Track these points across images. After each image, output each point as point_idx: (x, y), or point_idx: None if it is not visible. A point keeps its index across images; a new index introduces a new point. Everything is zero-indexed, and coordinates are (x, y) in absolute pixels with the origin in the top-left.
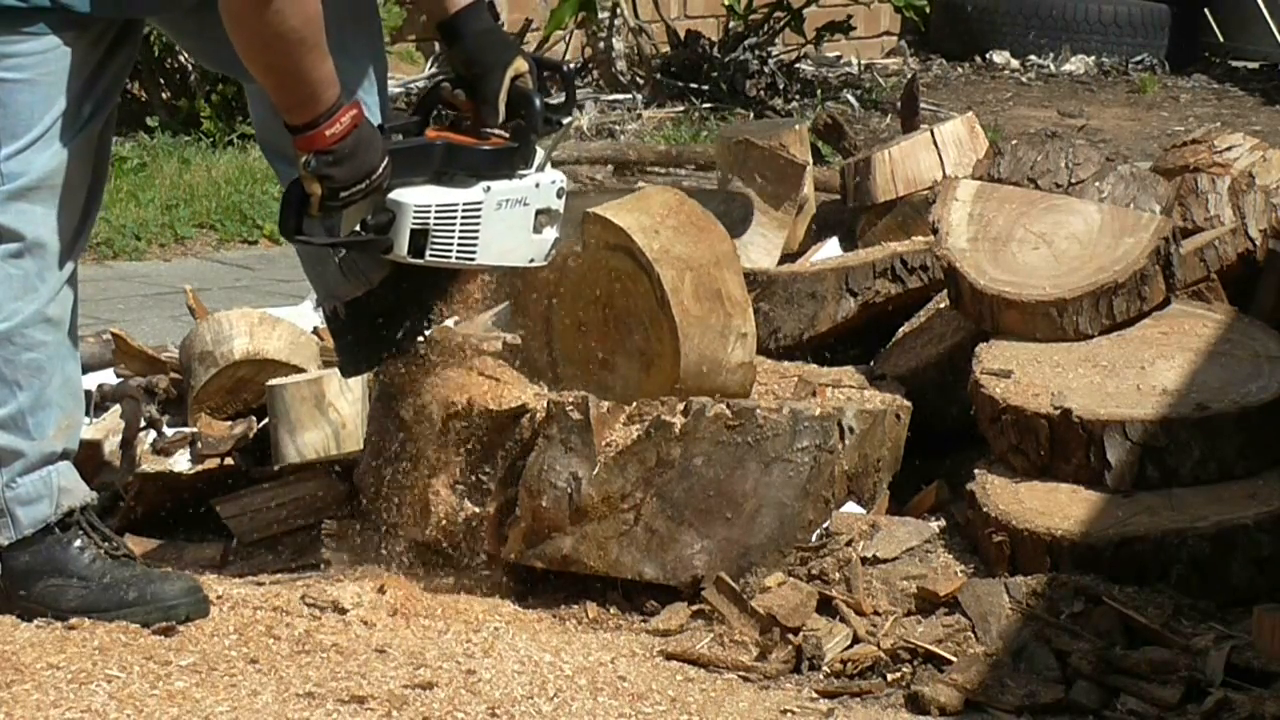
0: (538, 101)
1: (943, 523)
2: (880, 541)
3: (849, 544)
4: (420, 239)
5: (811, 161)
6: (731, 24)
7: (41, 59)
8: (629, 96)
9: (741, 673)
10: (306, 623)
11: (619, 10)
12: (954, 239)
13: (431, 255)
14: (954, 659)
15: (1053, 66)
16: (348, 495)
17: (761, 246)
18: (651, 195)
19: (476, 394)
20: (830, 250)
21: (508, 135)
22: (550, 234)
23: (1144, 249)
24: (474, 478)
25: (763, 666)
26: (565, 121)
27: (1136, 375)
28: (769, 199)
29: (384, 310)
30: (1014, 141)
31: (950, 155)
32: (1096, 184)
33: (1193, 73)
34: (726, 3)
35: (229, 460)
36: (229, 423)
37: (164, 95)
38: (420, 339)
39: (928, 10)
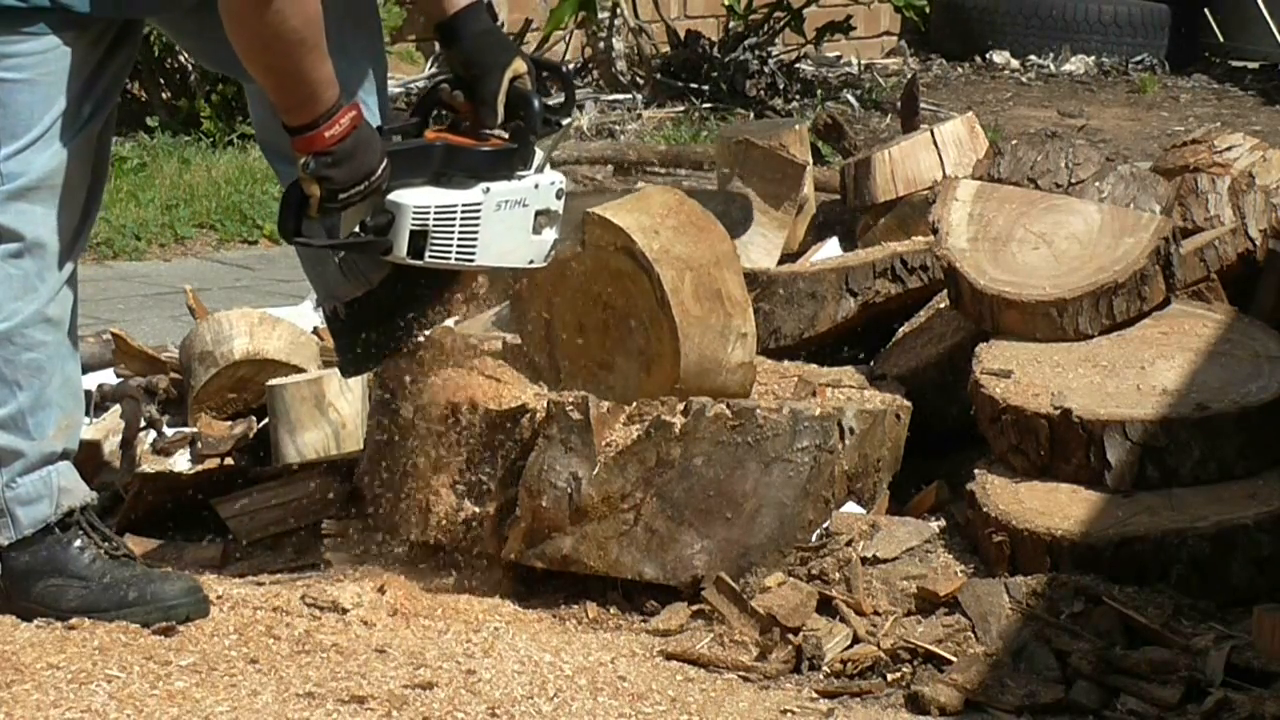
0: (536, 103)
1: (943, 523)
2: (880, 541)
3: (849, 544)
4: (419, 240)
5: (811, 161)
6: (731, 24)
7: (41, 59)
8: (629, 96)
9: (741, 673)
10: (306, 623)
11: (619, 10)
12: (954, 239)
13: (431, 256)
14: (954, 659)
15: (1053, 66)
16: (348, 495)
17: (761, 246)
18: (651, 195)
19: (476, 394)
20: (830, 250)
21: (507, 136)
22: (549, 235)
23: (1144, 249)
24: (474, 478)
25: (763, 666)
26: (564, 122)
27: (1136, 375)
28: (769, 199)
29: (384, 310)
30: (1014, 141)
31: (950, 155)
32: (1096, 184)
33: (1193, 73)
34: (726, 3)
35: (229, 460)
36: (229, 423)
37: (164, 95)
38: (420, 339)
39: (928, 10)
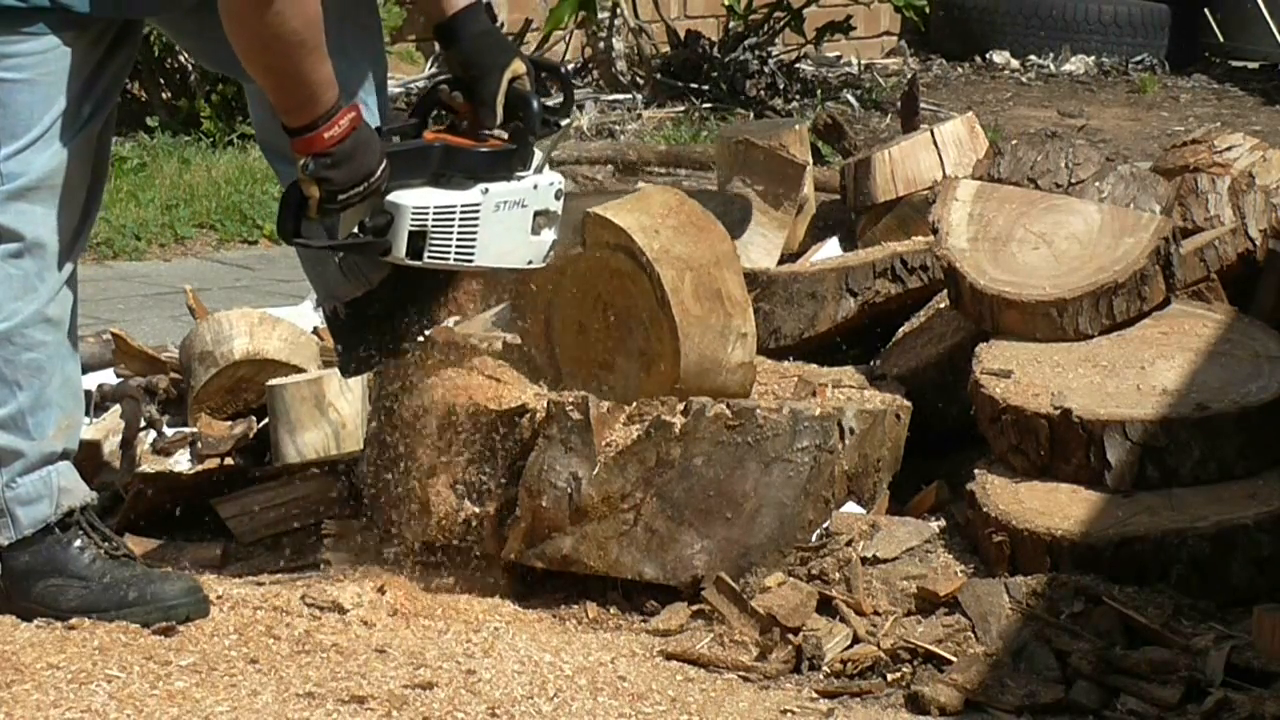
0: (535, 103)
1: (943, 523)
2: (880, 541)
3: (849, 544)
4: (418, 241)
5: (811, 161)
6: (731, 24)
7: (41, 59)
8: (629, 96)
9: (741, 673)
10: (306, 623)
11: (619, 10)
12: (954, 239)
13: (429, 257)
14: (954, 659)
15: (1053, 66)
16: (348, 495)
17: (761, 246)
18: (651, 195)
19: (476, 394)
20: (830, 250)
21: (505, 137)
22: (548, 235)
23: (1144, 249)
24: (474, 478)
25: (763, 666)
26: (563, 123)
27: (1136, 375)
28: (769, 199)
29: (384, 310)
30: (1014, 141)
31: (950, 155)
32: (1096, 184)
33: (1193, 73)
34: (726, 3)
35: (229, 460)
36: (229, 423)
37: (164, 95)
38: (420, 339)
39: (928, 10)
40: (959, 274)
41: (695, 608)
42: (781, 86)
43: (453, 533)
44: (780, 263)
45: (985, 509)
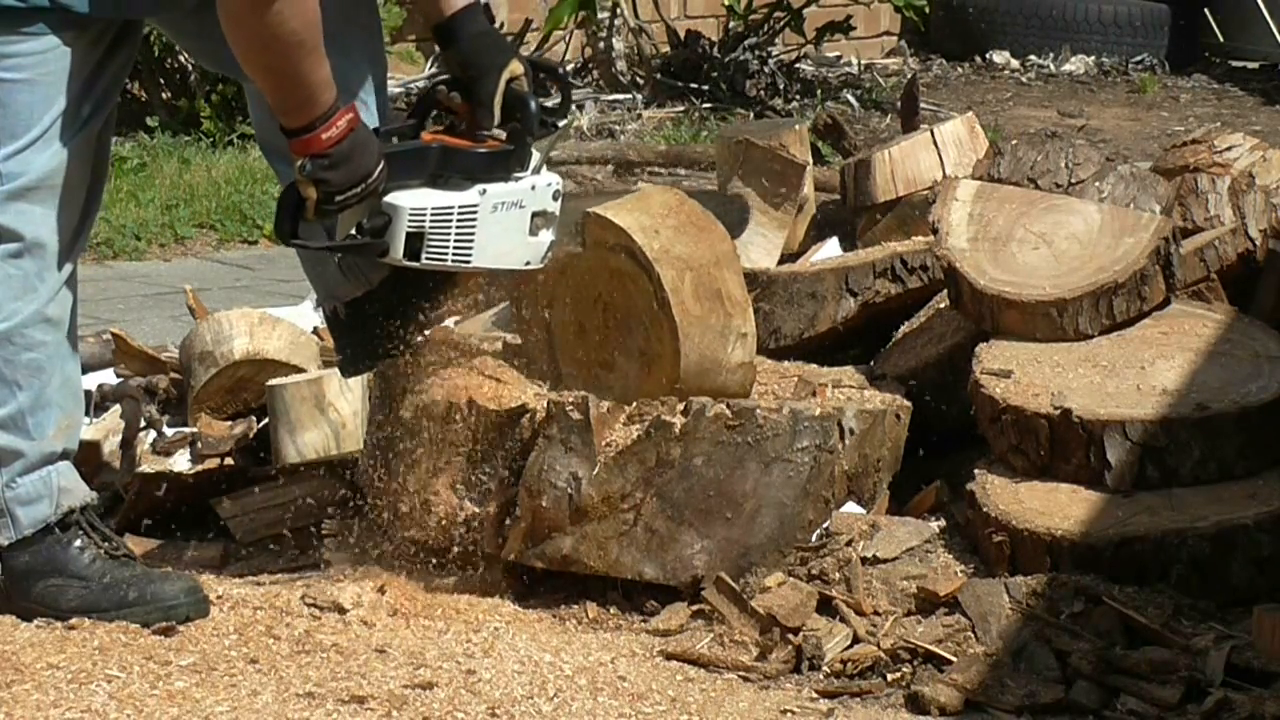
0: (533, 104)
1: (943, 523)
2: (880, 541)
3: (849, 544)
4: (416, 242)
5: (811, 161)
6: (731, 24)
7: (41, 59)
8: (629, 96)
9: (741, 673)
10: (306, 623)
11: (619, 10)
12: (954, 239)
13: (427, 258)
14: (954, 659)
15: (1053, 66)
16: (348, 495)
17: (761, 246)
18: (651, 195)
19: (476, 394)
20: (830, 250)
21: (503, 138)
22: (546, 236)
23: (1144, 249)
24: (474, 478)
25: (763, 666)
26: (561, 124)
27: (1136, 375)
28: (769, 199)
29: (384, 310)
30: (1014, 141)
31: (950, 155)
32: (1096, 184)
33: (1193, 73)
34: (726, 3)
35: (229, 460)
36: (229, 423)
37: (164, 95)
38: (420, 339)
39: (928, 10)
40: (959, 274)
41: (695, 608)
42: (781, 86)
43: (453, 533)
44: (780, 263)
45: (985, 509)
